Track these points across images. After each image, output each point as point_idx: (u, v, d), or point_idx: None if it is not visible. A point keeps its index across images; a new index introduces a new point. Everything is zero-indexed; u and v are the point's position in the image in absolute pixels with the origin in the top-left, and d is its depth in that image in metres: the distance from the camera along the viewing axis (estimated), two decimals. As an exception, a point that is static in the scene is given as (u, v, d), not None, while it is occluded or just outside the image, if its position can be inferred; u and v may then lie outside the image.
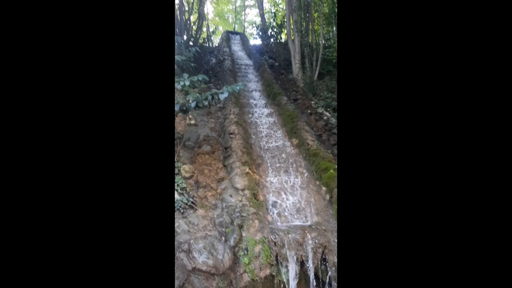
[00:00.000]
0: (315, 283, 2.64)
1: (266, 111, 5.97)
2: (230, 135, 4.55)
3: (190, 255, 2.51)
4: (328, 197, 3.72)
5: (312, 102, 6.08)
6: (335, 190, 3.65)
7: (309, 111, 5.78)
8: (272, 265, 2.66)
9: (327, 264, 2.67)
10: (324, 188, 3.84)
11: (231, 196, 3.42)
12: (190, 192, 3.31)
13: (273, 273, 2.66)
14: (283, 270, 2.65)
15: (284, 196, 3.76)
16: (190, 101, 3.74)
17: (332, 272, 2.62)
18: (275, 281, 2.67)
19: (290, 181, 4.01)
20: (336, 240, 2.71)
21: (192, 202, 3.16)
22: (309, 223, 3.28)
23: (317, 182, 3.99)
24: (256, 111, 5.94)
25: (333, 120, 5.46)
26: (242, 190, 3.50)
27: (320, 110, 5.81)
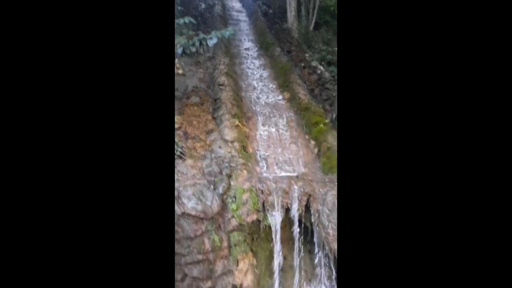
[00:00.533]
0: (298, 228, 2.82)
1: (258, 62, 5.71)
2: (220, 87, 4.39)
3: (179, 201, 2.59)
4: (316, 150, 3.78)
5: (307, 55, 5.82)
6: (324, 144, 3.70)
7: (302, 64, 5.56)
8: (259, 211, 2.79)
9: (311, 211, 2.82)
10: (313, 142, 3.88)
11: (220, 147, 3.42)
12: (179, 143, 3.29)
13: (260, 219, 2.81)
14: (269, 215, 2.79)
15: (273, 149, 3.81)
16: (177, 47, 3.49)
17: (314, 218, 2.79)
18: (261, 226, 2.83)
19: (280, 134, 4.03)
20: (320, 190, 2.83)
21: (180, 152, 3.16)
22: (296, 174, 3.38)
23: (307, 136, 4.01)
24: (247, 62, 5.68)
25: (327, 75, 5.30)
26: (232, 142, 3.50)
27: (314, 63, 5.59)
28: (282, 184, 2.84)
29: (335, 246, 2.64)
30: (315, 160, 3.68)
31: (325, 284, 2.90)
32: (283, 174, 3.42)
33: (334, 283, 2.83)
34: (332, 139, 3.70)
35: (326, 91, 4.99)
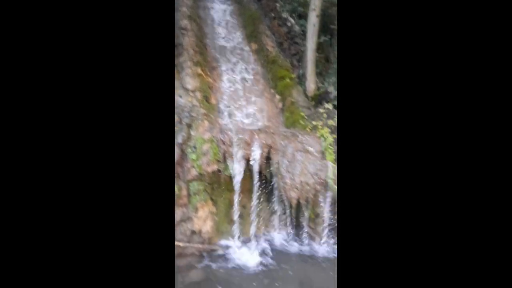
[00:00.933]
0: (258, 178, 2.89)
1: (225, 8, 5.24)
2: (182, 31, 4.00)
3: (135, 149, 2.45)
4: (280, 105, 3.77)
5: (277, 5, 5.45)
6: (288, 98, 3.68)
7: (272, 14, 5.23)
8: (220, 161, 2.78)
9: (270, 162, 2.88)
10: (278, 97, 3.84)
11: (180, 96, 3.23)
12: (134, 89, 3.02)
13: (220, 169, 2.81)
14: (229, 166, 2.80)
15: (237, 101, 3.70)
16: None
17: (274, 168, 2.87)
18: (222, 176, 2.85)
19: (245, 87, 3.90)
20: (281, 142, 2.87)
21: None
22: (259, 127, 3.37)
23: (272, 90, 3.95)
24: (213, 7, 5.18)
25: (297, 28, 5.09)
26: (193, 91, 3.31)
27: (284, 15, 5.29)
28: (244, 136, 2.82)
29: (291, 194, 2.79)
30: (279, 114, 3.69)
31: (279, 232, 3.12)
32: (246, 127, 3.39)
33: (289, 229, 3.06)
34: (296, 94, 3.69)
35: (295, 45, 4.84)
